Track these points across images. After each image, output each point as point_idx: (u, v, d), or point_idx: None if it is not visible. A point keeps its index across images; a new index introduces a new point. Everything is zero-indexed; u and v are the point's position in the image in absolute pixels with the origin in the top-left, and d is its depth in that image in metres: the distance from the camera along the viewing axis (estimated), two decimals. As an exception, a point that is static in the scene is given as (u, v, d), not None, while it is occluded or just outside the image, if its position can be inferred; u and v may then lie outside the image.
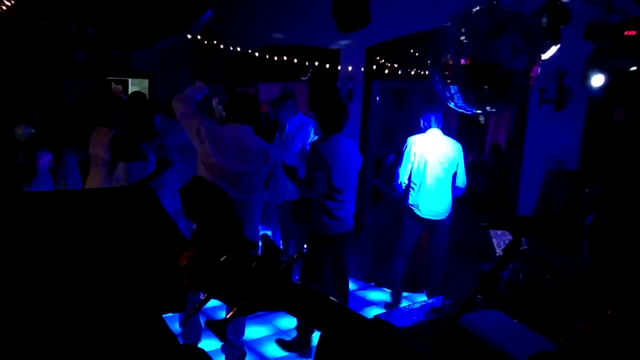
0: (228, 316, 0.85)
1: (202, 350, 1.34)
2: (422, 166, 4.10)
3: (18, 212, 1.15)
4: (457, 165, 4.14)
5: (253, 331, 3.95)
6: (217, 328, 0.84)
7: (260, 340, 3.80)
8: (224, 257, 0.84)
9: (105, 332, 1.08)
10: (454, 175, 4.16)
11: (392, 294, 4.50)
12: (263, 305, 0.85)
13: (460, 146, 4.18)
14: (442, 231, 4.23)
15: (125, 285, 1.16)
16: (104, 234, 1.22)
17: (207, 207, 0.96)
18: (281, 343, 3.68)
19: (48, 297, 1.04)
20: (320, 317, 0.87)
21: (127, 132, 3.78)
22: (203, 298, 0.86)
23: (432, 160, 4.08)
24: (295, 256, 0.89)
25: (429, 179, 4.09)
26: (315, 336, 3.66)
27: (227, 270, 0.83)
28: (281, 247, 5.64)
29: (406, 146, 4.19)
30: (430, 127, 4.16)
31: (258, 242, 0.92)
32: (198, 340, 3.50)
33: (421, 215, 4.16)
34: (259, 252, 0.89)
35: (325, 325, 0.88)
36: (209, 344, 3.57)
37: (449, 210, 4.20)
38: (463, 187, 4.18)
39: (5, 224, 1.09)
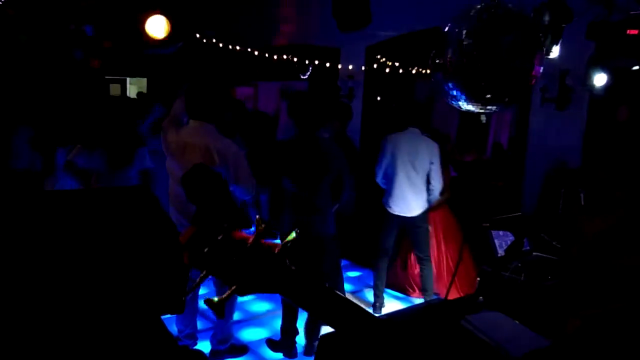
0: (225, 295, 0.89)
1: (201, 352, 1.33)
2: (394, 164, 4.13)
3: (16, 211, 1.13)
4: (431, 164, 4.11)
5: (253, 333, 3.94)
6: (216, 306, 0.89)
7: (260, 342, 3.78)
8: (221, 235, 0.89)
9: (103, 333, 1.06)
10: (429, 175, 4.15)
11: (375, 295, 4.47)
12: (258, 286, 0.89)
13: (436, 145, 4.16)
14: (416, 229, 4.23)
15: (123, 286, 1.15)
16: (102, 233, 1.20)
17: (206, 190, 1.00)
18: (270, 343, 3.68)
19: (46, 297, 1.02)
20: (312, 300, 0.90)
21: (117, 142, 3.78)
22: (202, 274, 0.90)
23: (403, 158, 4.10)
24: (290, 239, 0.92)
25: (400, 177, 4.12)
26: (299, 339, 3.66)
27: (224, 248, 0.88)
28: None
29: (382, 144, 4.22)
30: (408, 125, 4.15)
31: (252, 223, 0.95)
32: (194, 328, 3.48)
33: (393, 213, 4.20)
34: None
35: (317, 309, 0.91)
36: (208, 344, 3.55)
37: (423, 209, 4.19)
38: (437, 187, 4.16)
39: (2, 223, 1.07)
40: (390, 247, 4.36)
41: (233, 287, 0.88)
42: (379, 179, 4.26)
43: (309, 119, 3.38)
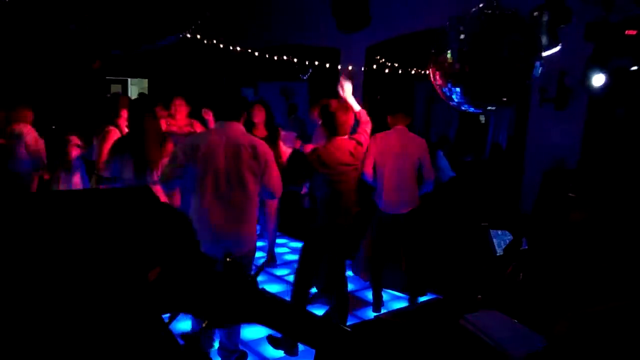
0: (199, 330, 0.89)
1: (203, 350, 1.34)
2: (381, 162, 4.19)
3: (17, 211, 1.14)
4: (420, 160, 4.19)
5: (252, 331, 3.94)
6: (191, 341, 0.90)
7: (260, 341, 3.79)
8: (187, 273, 0.88)
9: (104, 332, 1.07)
10: (420, 171, 4.22)
11: (373, 295, 4.49)
12: (231, 318, 0.88)
13: (424, 142, 4.25)
14: (400, 226, 4.28)
15: (124, 285, 1.16)
16: (103, 233, 1.21)
17: (167, 229, 0.99)
18: (271, 340, 3.68)
19: (47, 297, 1.03)
20: (288, 326, 0.90)
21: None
22: (172, 314, 0.89)
23: (390, 157, 4.16)
24: (258, 269, 0.93)
25: (387, 175, 4.18)
26: None
27: (192, 286, 0.87)
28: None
29: (369, 143, 4.26)
30: (396, 123, 4.22)
31: (217, 259, 0.95)
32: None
33: (383, 210, 4.26)
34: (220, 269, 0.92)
35: (294, 334, 0.91)
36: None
37: (410, 206, 4.24)
38: (431, 178, 4.24)
39: (4, 224, 1.08)
40: (386, 246, 4.38)
41: (205, 322, 0.87)
42: (364, 177, 4.30)
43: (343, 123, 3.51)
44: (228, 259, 0.90)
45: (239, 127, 3.11)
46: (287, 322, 0.89)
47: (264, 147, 3.11)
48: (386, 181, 4.18)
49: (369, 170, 4.24)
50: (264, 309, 0.88)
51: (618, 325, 0.85)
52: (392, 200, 4.21)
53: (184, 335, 0.90)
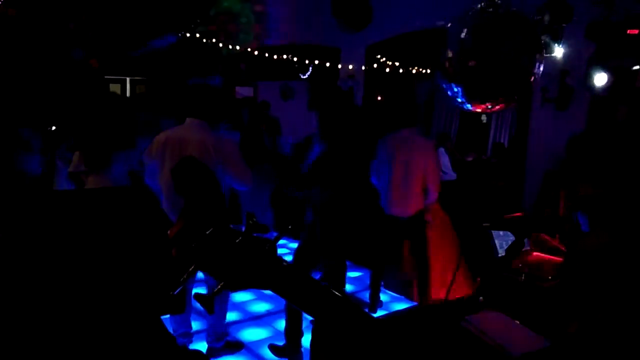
0: (215, 290, 0.88)
1: (200, 351, 1.32)
2: (389, 165, 4.09)
3: (18, 211, 1.13)
4: (427, 165, 4.02)
5: (253, 333, 3.92)
6: (205, 300, 0.88)
7: (260, 342, 3.76)
8: (210, 229, 0.87)
9: (103, 333, 1.06)
10: (427, 175, 4.06)
11: (370, 296, 4.45)
12: (248, 282, 0.87)
13: (432, 145, 4.13)
14: (412, 230, 4.19)
15: (123, 286, 1.15)
16: (101, 234, 1.19)
17: (194, 183, 0.98)
18: (273, 348, 3.55)
19: (46, 298, 1.02)
20: (305, 297, 0.88)
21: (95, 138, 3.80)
22: (190, 269, 0.88)
23: (398, 159, 4.04)
24: (279, 234, 0.91)
25: (395, 178, 4.08)
26: (305, 340, 3.52)
27: (213, 243, 0.87)
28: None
29: (377, 145, 4.20)
30: (403, 125, 4.10)
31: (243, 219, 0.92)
32: (189, 327, 3.42)
33: (389, 214, 4.17)
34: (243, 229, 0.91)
35: (309, 306, 0.89)
36: (204, 344, 3.54)
37: (418, 209, 4.12)
38: (433, 189, 4.05)
39: (5, 223, 1.07)
40: (389, 249, 4.33)
41: (222, 283, 0.87)
42: (372, 179, 4.25)
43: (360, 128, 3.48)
44: (251, 221, 0.89)
45: (200, 124, 3.16)
46: (301, 292, 0.87)
47: (219, 143, 3.19)
48: (392, 184, 4.08)
49: (373, 172, 4.18)
50: (280, 276, 0.86)
51: (630, 330, 0.84)
52: (397, 204, 4.11)
53: (197, 295, 0.89)
